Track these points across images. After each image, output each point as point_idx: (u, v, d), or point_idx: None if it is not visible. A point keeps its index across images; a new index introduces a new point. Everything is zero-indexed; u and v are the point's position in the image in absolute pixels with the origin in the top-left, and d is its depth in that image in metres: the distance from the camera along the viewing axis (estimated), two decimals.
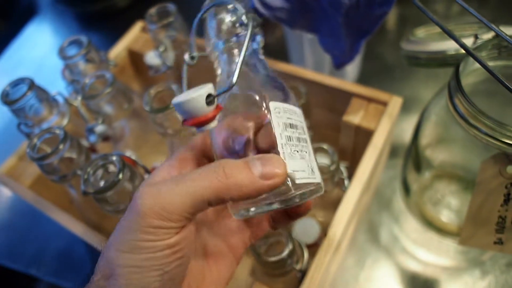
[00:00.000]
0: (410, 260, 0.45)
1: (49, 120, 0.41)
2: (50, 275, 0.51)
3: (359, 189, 0.34)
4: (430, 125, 0.39)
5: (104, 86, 0.38)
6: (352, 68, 0.54)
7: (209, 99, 0.22)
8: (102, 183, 0.32)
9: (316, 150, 0.36)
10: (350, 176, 0.38)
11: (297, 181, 0.22)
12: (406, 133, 0.54)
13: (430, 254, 0.46)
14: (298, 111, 0.25)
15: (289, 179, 0.22)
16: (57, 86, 0.61)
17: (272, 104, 0.23)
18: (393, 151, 0.52)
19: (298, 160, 0.23)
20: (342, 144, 0.41)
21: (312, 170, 0.24)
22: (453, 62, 0.39)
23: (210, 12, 0.25)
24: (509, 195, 0.31)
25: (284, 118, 0.23)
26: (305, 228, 0.39)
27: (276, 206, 0.23)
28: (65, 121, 0.41)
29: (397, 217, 0.48)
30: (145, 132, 0.45)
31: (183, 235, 0.21)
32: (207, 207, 0.21)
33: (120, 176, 0.31)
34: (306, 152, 0.24)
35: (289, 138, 0.23)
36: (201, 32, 0.27)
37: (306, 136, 0.25)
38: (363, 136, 0.38)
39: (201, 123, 0.22)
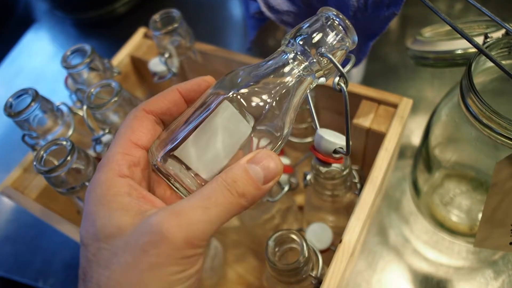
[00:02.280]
0: (422, 261, 0.45)
1: (54, 130, 0.40)
2: (58, 287, 0.51)
3: (373, 194, 0.33)
4: (441, 125, 0.39)
5: (110, 95, 0.37)
6: (357, 70, 0.54)
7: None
8: None
9: None
10: (362, 179, 0.38)
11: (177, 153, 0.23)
12: (414, 134, 0.53)
13: (442, 255, 0.45)
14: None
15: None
16: (57, 95, 0.60)
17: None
18: (401, 152, 0.52)
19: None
20: (352, 147, 0.41)
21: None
22: (461, 62, 0.39)
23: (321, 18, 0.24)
24: None
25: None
26: (317, 234, 0.38)
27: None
28: (70, 131, 0.40)
29: (407, 219, 0.48)
30: None
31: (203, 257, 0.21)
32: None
33: None
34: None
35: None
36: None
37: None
38: (374, 139, 0.38)
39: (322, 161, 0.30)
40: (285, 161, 0.42)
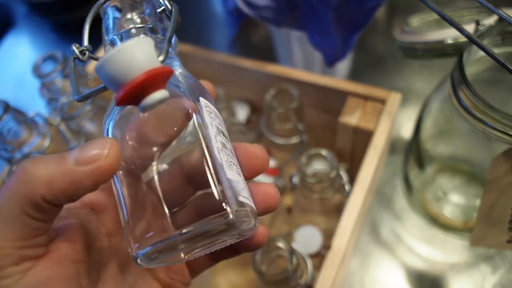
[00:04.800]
0: (416, 259, 0.44)
1: (29, 142, 0.38)
2: None
3: (362, 195, 0.32)
4: (432, 119, 0.37)
5: (84, 104, 0.35)
6: (344, 64, 0.52)
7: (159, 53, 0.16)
8: None
9: (314, 156, 0.34)
10: (350, 179, 0.36)
11: (240, 198, 0.17)
12: (404, 127, 0.52)
13: (436, 251, 0.44)
14: (221, 117, 0.20)
15: (228, 192, 0.16)
16: (39, 102, 0.58)
17: (203, 101, 0.18)
18: (391, 146, 0.50)
19: (236, 174, 0.17)
20: (339, 146, 0.40)
21: (249, 192, 0.18)
22: (452, 52, 0.37)
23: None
24: None
25: (216, 121, 0.18)
26: (306, 238, 0.37)
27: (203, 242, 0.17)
28: (46, 143, 0.39)
29: (399, 216, 0.46)
30: None
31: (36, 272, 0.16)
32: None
33: None
34: (239, 168, 0.18)
35: (224, 146, 0.18)
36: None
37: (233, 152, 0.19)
38: (362, 136, 0.36)
39: (154, 81, 0.15)
40: (271, 163, 0.40)
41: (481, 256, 0.43)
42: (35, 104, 0.39)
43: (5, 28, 0.84)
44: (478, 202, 0.40)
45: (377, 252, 0.44)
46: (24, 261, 0.16)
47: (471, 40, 0.29)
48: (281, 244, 0.31)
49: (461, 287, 0.42)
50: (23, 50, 0.80)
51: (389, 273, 0.43)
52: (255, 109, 0.46)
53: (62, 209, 0.17)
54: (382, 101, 0.36)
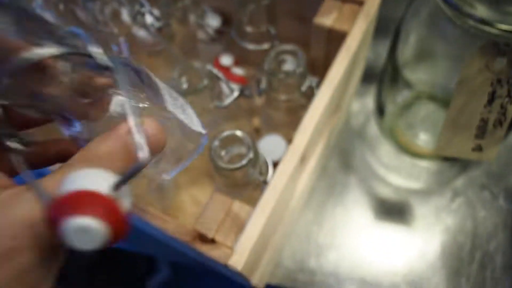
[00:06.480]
0: (382, 185, 0.44)
1: None
2: None
3: (329, 95, 0.30)
4: (408, 38, 0.35)
5: None
6: None
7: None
8: None
9: (282, 53, 0.32)
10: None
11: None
12: (381, 57, 0.50)
13: (402, 178, 0.44)
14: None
15: None
16: None
17: None
18: (366, 76, 0.49)
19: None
20: (313, 56, 0.37)
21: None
22: None
23: None
24: (494, 93, 0.28)
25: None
26: (271, 145, 0.36)
27: None
28: None
29: (370, 143, 0.46)
30: None
31: None
32: None
33: None
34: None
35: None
36: None
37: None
38: (336, 42, 0.34)
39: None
40: (239, 71, 0.38)
41: (445, 183, 0.43)
42: None
43: None
44: None
45: (344, 177, 0.44)
46: None
47: None
48: (239, 133, 0.29)
49: (425, 210, 0.42)
50: None
51: (353, 197, 0.43)
52: (227, 22, 0.43)
53: None
54: (360, 3, 0.34)
